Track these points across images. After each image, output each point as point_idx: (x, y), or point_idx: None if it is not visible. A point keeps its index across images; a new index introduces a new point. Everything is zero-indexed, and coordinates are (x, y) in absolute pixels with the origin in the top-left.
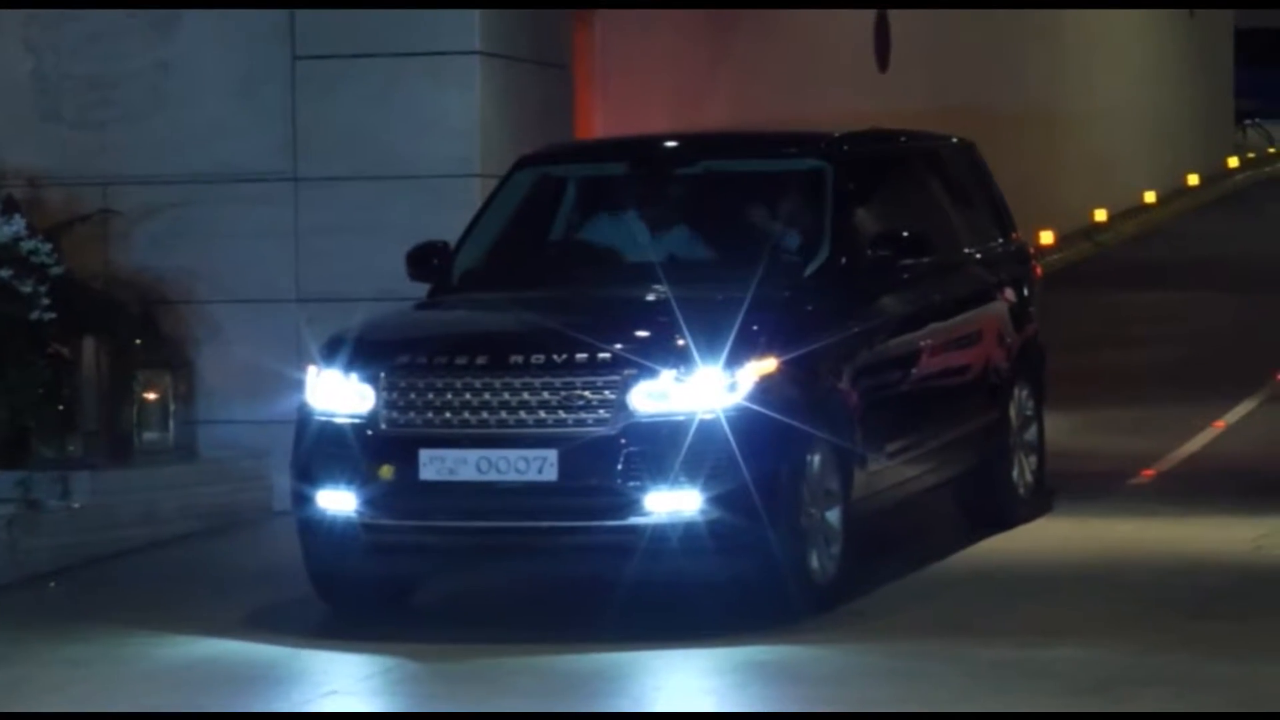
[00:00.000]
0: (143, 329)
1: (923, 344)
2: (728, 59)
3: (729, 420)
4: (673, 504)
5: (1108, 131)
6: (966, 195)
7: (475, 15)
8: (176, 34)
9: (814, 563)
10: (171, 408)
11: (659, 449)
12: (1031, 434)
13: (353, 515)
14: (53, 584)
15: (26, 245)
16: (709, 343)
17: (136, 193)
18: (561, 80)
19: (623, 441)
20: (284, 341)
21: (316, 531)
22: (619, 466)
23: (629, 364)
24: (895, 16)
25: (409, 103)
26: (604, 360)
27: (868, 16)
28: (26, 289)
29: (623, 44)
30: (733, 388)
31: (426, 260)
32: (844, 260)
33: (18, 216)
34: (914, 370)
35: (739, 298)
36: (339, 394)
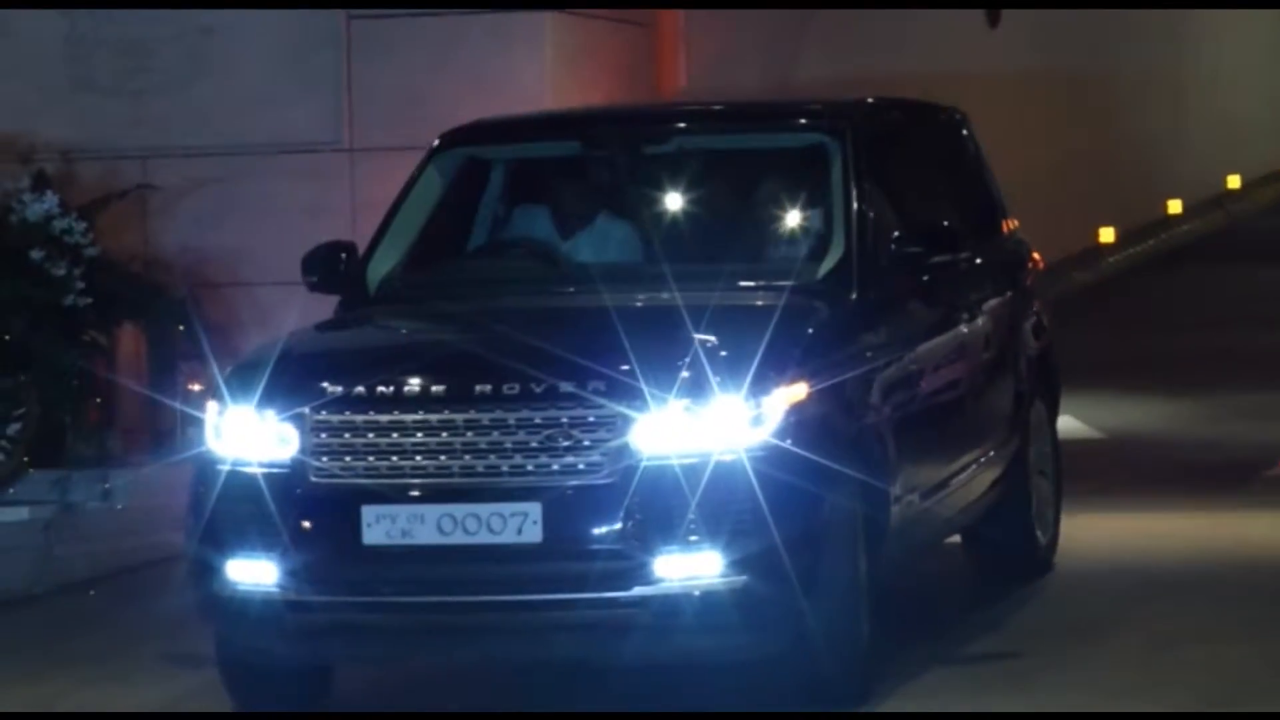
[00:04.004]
0: (185, 315)
1: (956, 360)
2: (823, 13)
3: (754, 462)
4: (687, 569)
5: (1239, 91)
6: (968, 177)
7: None
8: None
9: (857, 633)
10: None
11: (668, 500)
12: (1048, 458)
13: (274, 590)
14: (92, 592)
15: (59, 224)
16: (728, 365)
17: (177, 166)
18: (642, 38)
19: (623, 491)
20: None
21: (226, 612)
22: (619, 524)
23: (627, 393)
24: None
25: (472, 64)
26: (596, 389)
27: None
28: (59, 272)
29: None
30: (758, 421)
31: (331, 265)
32: (862, 259)
33: (49, 193)
34: (946, 392)
35: (762, 307)
36: (252, 437)
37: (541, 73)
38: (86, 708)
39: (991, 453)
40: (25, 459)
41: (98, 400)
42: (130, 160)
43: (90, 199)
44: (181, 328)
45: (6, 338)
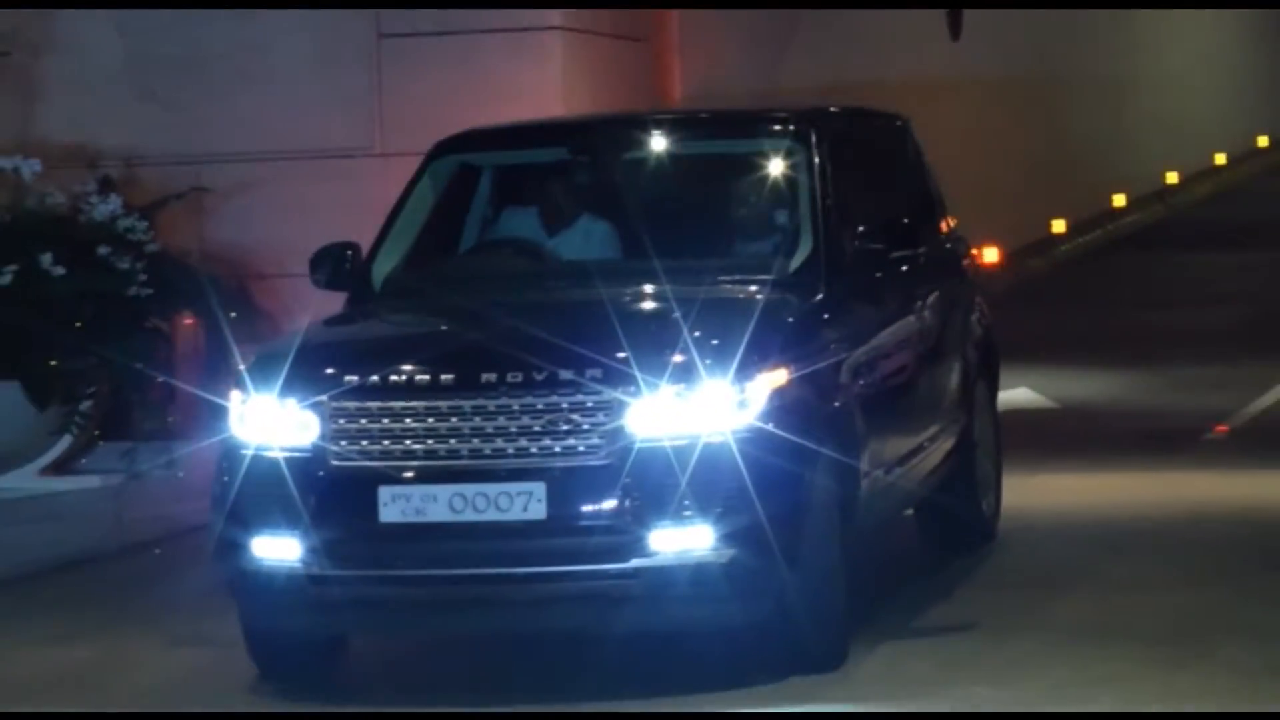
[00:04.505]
0: (237, 303)
1: (914, 346)
2: (805, 26)
3: (740, 443)
4: (680, 542)
5: (1179, 93)
6: (913, 178)
7: None
8: (262, 14)
9: (835, 601)
10: None
11: (661, 479)
12: (990, 433)
13: (297, 565)
14: (158, 551)
15: (123, 223)
16: (715, 354)
17: (228, 170)
18: (641, 52)
19: (619, 471)
20: None
21: (252, 586)
22: (616, 501)
23: (622, 379)
24: None
25: (490, 78)
26: (593, 376)
27: None
28: (124, 266)
29: (702, 13)
30: (743, 405)
31: (337, 264)
32: (830, 255)
33: (114, 195)
34: (906, 376)
35: (743, 300)
36: (275, 424)
37: (552, 85)
38: (134, 665)
39: (943, 430)
40: (96, 433)
41: (160, 380)
42: (185, 165)
43: (150, 200)
44: (234, 314)
45: (78, 325)
